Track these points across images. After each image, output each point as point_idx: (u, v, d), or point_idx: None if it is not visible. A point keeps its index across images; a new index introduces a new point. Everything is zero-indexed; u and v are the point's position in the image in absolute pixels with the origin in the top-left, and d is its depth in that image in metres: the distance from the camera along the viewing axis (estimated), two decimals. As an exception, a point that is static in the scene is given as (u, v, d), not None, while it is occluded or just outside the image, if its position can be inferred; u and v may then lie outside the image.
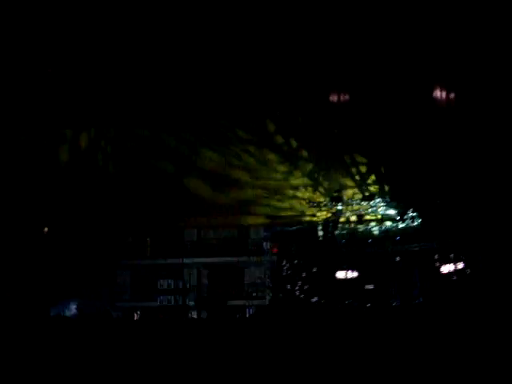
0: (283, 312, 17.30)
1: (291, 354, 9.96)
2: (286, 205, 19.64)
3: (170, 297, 22.29)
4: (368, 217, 18.95)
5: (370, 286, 18.27)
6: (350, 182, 19.16)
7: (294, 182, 19.59)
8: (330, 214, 19.18)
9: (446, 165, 18.30)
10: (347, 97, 18.46)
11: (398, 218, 19.39)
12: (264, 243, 20.96)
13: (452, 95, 18.01)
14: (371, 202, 19.11)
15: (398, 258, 18.60)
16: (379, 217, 19.26)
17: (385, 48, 17.35)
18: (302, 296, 18.43)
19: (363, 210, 18.84)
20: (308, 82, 18.15)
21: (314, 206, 19.24)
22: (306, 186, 19.59)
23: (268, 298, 19.64)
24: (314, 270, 18.55)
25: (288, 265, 18.67)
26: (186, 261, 22.01)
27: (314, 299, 18.40)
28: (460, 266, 17.60)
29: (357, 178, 18.98)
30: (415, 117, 17.84)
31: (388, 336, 11.72)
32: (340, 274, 18.28)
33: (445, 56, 17.25)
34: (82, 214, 19.05)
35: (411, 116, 17.84)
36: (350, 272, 18.34)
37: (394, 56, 17.39)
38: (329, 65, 17.72)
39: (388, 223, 19.23)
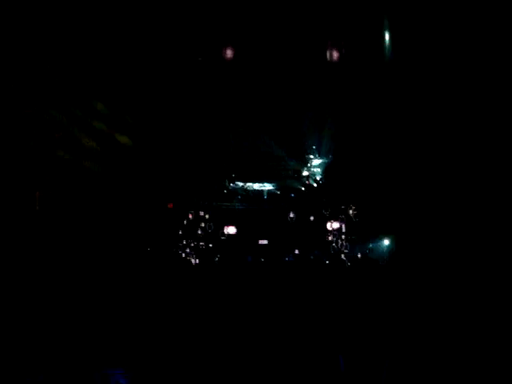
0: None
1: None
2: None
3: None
4: (263, 175, 19.22)
5: (265, 242, 18.68)
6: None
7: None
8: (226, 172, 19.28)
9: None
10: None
11: (295, 175, 19.79)
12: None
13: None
14: (269, 161, 19.34)
15: (292, 215, 19.07)
16: (276, 175, 19.56)
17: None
18: (199, 253, 18.66)
19: (259, 169, 19.07)
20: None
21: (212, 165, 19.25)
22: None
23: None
24: (208, 226, 18.75)
25: (184, 222, 18.74)
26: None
27: (211, 255, 18.66)
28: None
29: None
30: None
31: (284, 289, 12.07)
32: (233, 231, 18.57)
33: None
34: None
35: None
36: (243, 228, 18.68)
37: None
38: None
39: (284, 181, 19.61)
